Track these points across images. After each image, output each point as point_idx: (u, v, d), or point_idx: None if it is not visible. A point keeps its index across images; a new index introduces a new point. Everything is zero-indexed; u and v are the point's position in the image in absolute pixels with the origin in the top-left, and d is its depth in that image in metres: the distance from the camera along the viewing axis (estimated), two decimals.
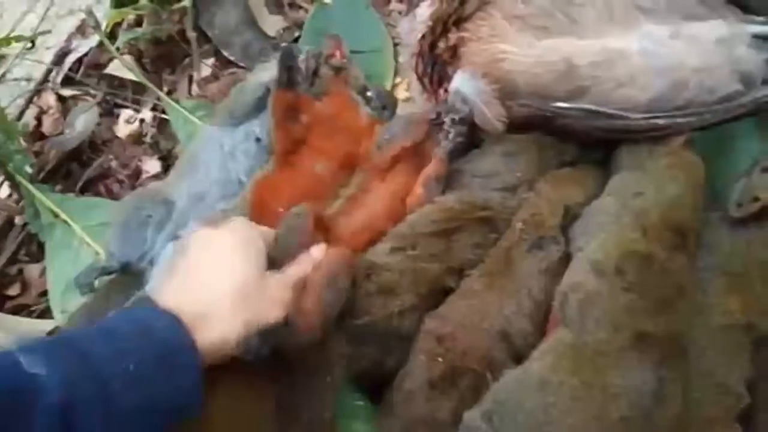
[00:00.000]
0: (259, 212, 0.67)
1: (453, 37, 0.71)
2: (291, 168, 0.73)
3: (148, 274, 0.68)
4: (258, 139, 0.74)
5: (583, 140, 0.69)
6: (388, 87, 0.88)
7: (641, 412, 0.50)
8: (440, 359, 0.59)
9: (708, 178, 0.67)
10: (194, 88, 0.94)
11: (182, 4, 0.92)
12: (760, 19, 0.65)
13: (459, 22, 0.71)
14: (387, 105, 0.77)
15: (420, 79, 0.76)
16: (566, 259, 0.62)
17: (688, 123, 0.63)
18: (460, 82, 0.70)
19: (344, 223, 0.69)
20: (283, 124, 0.73)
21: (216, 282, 0.52)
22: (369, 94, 0.77)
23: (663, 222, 0.57)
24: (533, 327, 0.60)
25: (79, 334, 0.49)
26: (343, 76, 0.78)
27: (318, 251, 0.59)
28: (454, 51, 0.71)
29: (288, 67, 0.74)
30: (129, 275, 0.69)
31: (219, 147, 0.74)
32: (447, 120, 0.70)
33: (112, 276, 0.71)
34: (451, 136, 0.70)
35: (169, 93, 0.96)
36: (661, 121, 0.62)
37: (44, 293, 0.82)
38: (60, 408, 0.42)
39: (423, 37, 0.73)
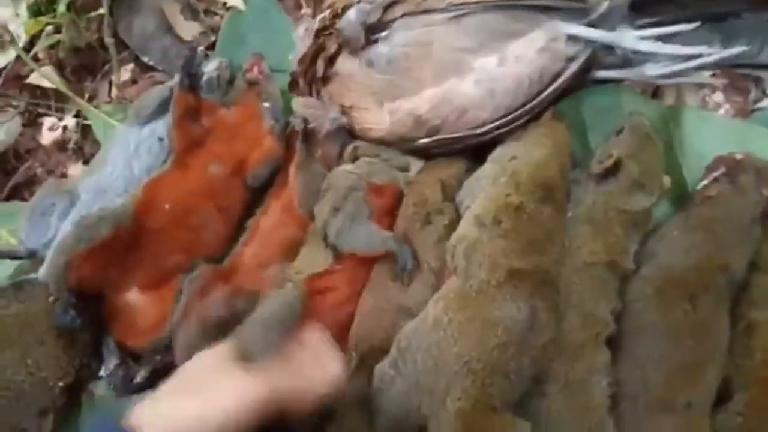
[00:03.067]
0: (144, 209, 0.71)
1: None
2: (185, 167, 0.76)
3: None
4: (161, 139, 0.78)
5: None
6: None
7: (516, 338, 0.58)
8: (353, 353, 0.66)
9: (588, 145, 0.77)
10: (114, 91, 0.98)
11: (99, 12, 0.95)
12: (574, 23, 0.74)
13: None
14: (278, 118, 0.82)
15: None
16: (455, 225, 0.69)
17: (529, 110, 0.73)
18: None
19: (248, 253, 0.74)
20: (182, 123, 0.77)
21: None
22: (266, 105, 0.82)
23: (532, 179, 0.66)
24: (434, 292, 0.65)
25: None
26: (256, 90, 0.84)
27: None
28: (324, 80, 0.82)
29: (188, 72, 0.79)
30: (36, 262, 0.72)
31: (126, 144, 0.78)
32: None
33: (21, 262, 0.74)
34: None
35: (90, 99, 0.99)
36: (504, 129, 0.74)
37: None
38: None
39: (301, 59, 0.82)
